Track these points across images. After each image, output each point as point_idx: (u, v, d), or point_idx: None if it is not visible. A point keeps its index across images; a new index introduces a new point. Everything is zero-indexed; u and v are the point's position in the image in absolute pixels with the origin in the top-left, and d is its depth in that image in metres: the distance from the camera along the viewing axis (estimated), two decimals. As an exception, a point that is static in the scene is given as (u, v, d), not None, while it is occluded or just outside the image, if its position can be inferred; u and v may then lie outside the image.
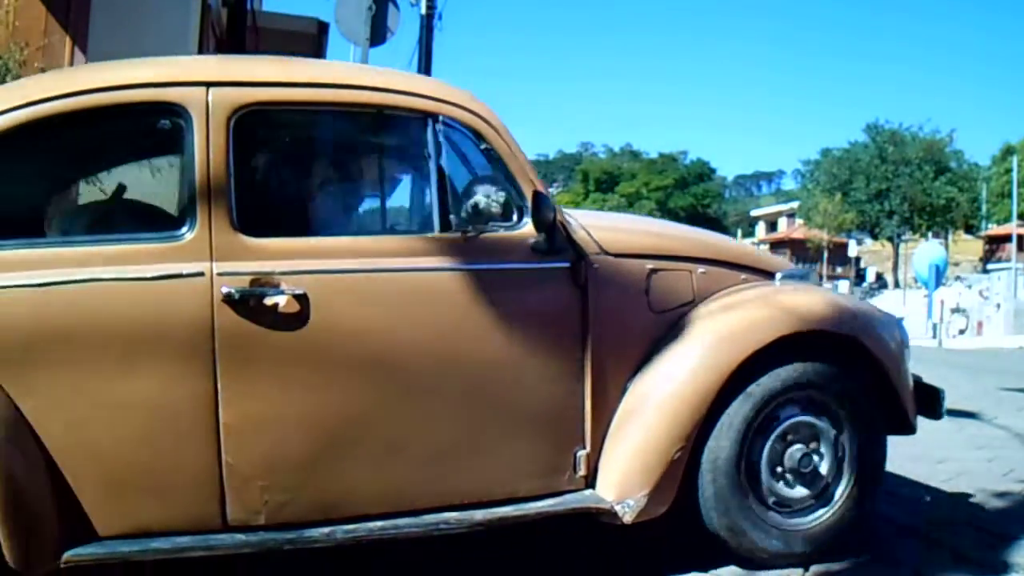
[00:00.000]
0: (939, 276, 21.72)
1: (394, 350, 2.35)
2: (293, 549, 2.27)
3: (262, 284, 2.25)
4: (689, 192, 60.50)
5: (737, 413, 2.58)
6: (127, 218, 2.53)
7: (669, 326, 2.65)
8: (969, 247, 46.36)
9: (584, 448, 2.53)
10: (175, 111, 2.28)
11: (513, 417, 2.46)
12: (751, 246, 3.18)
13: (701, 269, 2.77)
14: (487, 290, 2.44)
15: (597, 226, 2.68)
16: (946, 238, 41.33)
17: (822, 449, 2.71)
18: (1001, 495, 3.49)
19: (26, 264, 2.15)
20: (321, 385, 2.30)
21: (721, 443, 2.57)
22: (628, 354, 2.60)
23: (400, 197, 2.84)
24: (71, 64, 6.20)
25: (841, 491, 2.72)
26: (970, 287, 29.55)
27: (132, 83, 2.30)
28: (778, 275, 2.97)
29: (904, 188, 39.16)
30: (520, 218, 2.49)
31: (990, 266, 38.79)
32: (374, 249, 2.40)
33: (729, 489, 2.58)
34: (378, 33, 6.60)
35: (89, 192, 2.71)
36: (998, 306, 25.76)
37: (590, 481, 2.53)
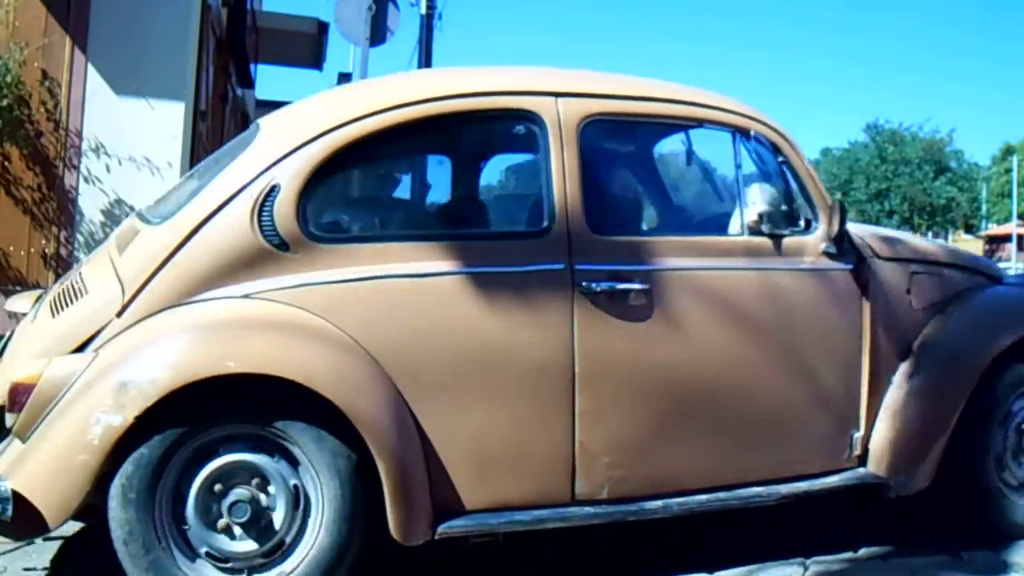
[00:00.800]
0: (939, 276, 21.65)
1: (719, 341, 2.56)
2: (635, 521, 2.47)
3: (615, 279, 2.44)
4: (689, 192, 60.41)
5: (989, 402, 2.81)
6: (489, 215, 2.76)
7: (926, 322, 2.88)
8: (969, 247, 46.29)
9: (859, 430, 2.74)
10: (530, 118, 2.49)
11: (808, 401, 2.68)
12: (975, 253, 3.47)
13: (946, 272, 3.01)
14: (789, 288, 2.67)
15: (867, 233, 2.95)
16: (946, 238, 41.32)
17: None
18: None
19: (406, 256, 2.34)
20: (660, 372, 2.49)
21: (977, 427, 2.79)
22: (896, 346, 2.81)
23: (713, 201, 3.07)
24: (71, 64, 6.21)
25: None
26: (970, 287, 29.46)
27: (492, 90, 2.52)
28: (1005, 279, 3.24)
29: (904, 188, 39.15)
30: (809, 224, 2.73)
31: (990, 266, 38.67)
32: (701, 249, 2.62)
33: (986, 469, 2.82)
34: (378, 33, 6.59)
35: (452, 190, 2.95)
36: (998, 306, 25.71)
37: (861, 460, 2.74)
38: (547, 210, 2.45)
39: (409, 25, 30.98)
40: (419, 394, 2.29)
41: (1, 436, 2.37)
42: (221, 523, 2.20)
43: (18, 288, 6.12)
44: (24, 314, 2.73)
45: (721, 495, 2.54)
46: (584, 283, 2.41)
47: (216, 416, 2.19)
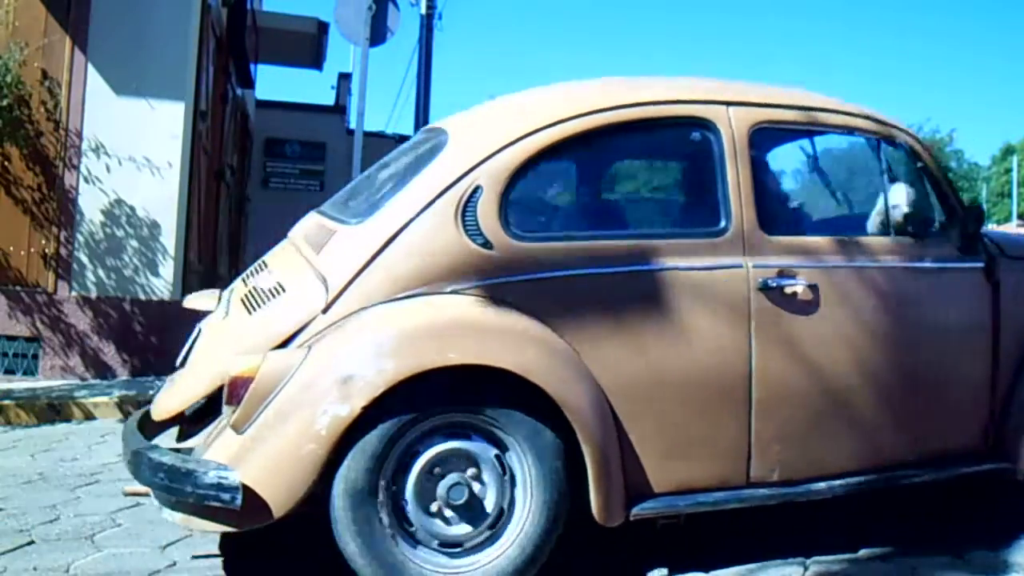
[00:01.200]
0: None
1: (874, 334, 2.73)
2: (804, 502, 2.64)
3: (785, 275, 2.63)
4: (689, 192, 60.30)
5: None
6: (671, 216, 2.95)
7: None
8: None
9: (990, 420, 2.92)
10: (706, 125, 2.68)
11: (947, 392, 2.85)
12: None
13: None
14: (931, 285, 2.88)
15: (994, 234, 3.15)
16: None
17: None
18: (1000, 494, 3.48)
19: (598, 254, 2.51)
20: (824, 362, 2.66)
21: None
22: (1021, 340, 2.97)
23: (862, 204, 3.21)
24: (71, 64, 6.21)
25: None
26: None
27: (672, 99, 2.72)
28: None
29: (904, 188, 39.09)
30: (944, 226, 2.95)
31: (990, 266, 38.63)
32: (856, 248, 2.81)
33: None
34: (378, 33, 6.59)
35: (636, 191, 3.19)
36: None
37: (992, 448, 2.92)
38: (724, 211, 2.63)
39: (409, 25, 30.99)
40: (613, 383, 2.43)
41: (188, 425, 2.50)
42: (436, 508, 2.33)
43: (18, 288, 6.13)
44: (205, 311, 2.84)
45: (875, 477, 2.72)
46: (760, 280, 2.60)
47: (432, 406, 2.30)
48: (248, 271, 2.88)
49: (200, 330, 2.75)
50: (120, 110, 6.26)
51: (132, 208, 6.30)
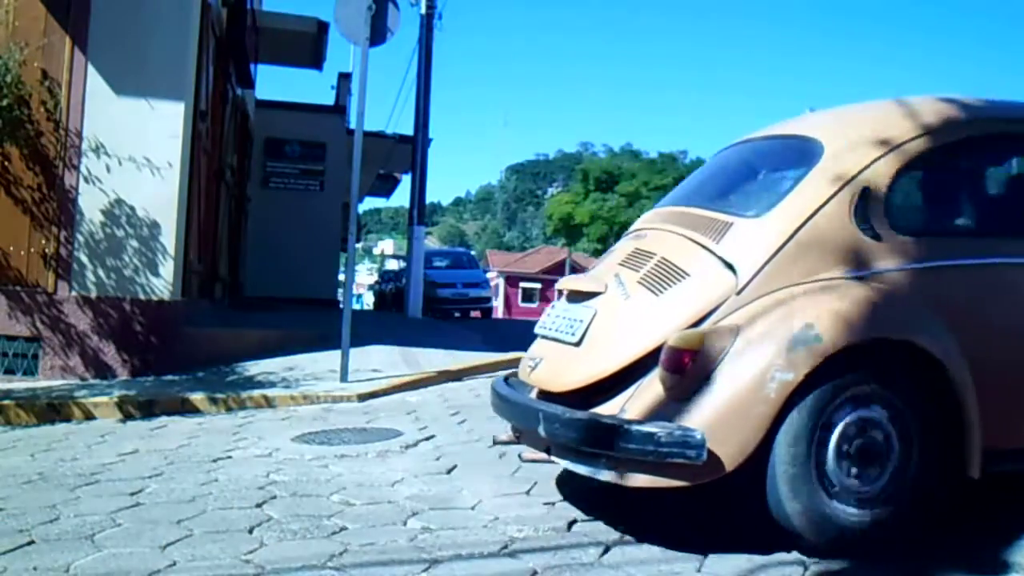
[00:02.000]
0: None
1: None
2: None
3: None
4: (689, 192, 60.12)
5: None
6: (1012, 217, 3.26)
7: None
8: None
9: None
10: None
11: None
12: None
13: None
14: None
15: None
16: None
17: None
18: (1001, 494, 3.49)
19: (963, 248, 2.91)
20: None
21: None
22: None
23: None
24: (71, 64, 6.22)
25: None
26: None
27: (1006, 118, 3.18)
28: None
29: (904, 188, 39.12)
30: None
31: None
32: None
33: None
34: (378, 33, 6.57)
35: (988, 193, 3.54)
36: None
37: None
38: None
39: (409, 25, 31.00)
40: (972, 355, 2.73)
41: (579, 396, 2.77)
42: (848, 465, 2.63)
43: (18, 288, 6.13)
44: (584, 292, 3.12)
45: None
46: None
47: (852, 374, 2.61)
48: (624, 256, 3.16)
49: (596, 311, 2.98)
50: (120, 110, 6.26)
51: (132, 208, 6.30)
